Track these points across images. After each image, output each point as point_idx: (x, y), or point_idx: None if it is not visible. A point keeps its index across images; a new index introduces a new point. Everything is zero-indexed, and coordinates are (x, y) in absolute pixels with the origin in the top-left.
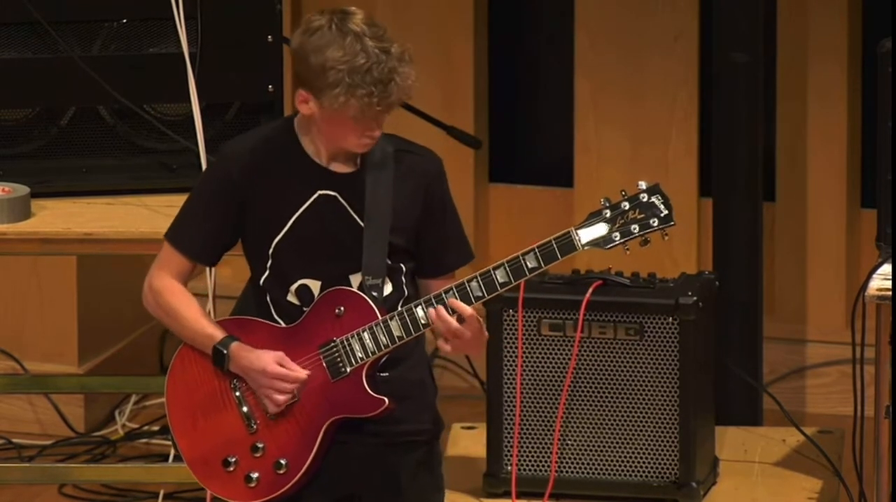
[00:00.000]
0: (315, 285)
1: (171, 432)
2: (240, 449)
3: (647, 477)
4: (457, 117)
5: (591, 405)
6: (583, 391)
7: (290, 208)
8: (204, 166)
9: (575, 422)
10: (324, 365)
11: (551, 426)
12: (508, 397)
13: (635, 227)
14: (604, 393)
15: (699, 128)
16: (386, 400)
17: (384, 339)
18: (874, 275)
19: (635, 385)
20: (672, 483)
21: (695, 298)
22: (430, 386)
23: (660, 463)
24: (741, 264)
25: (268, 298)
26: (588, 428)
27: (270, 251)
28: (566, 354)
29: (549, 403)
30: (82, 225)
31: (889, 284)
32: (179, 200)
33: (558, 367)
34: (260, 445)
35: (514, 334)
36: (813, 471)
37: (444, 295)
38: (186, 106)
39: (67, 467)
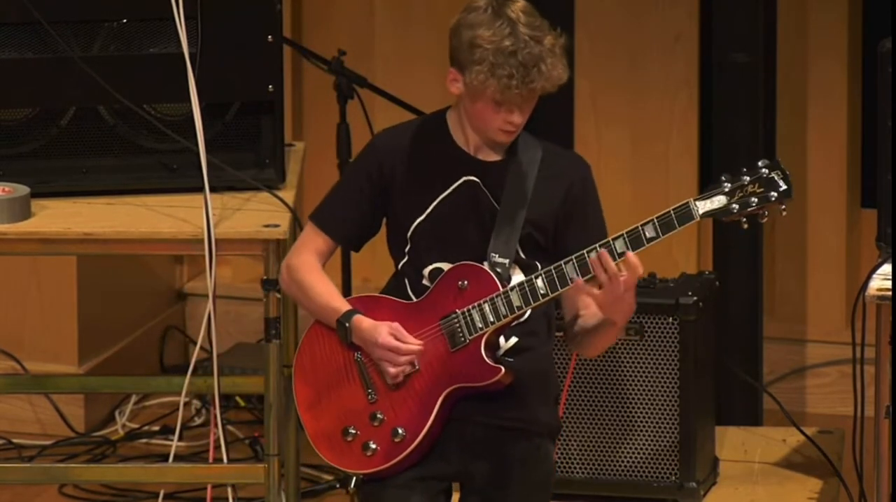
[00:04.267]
0: (448, 268)
1: (296, 406)
2: (359, 419)
3: (647, 477)
4: None
5: (591, 405)
6: (583, 391)
7: (433, 192)
8: (204, 166)
9: (575, 422)
10: (444, 335)
11: None
12: None
13: (754, 200)
14: (604, 393)
15: (699, 128)
16: (503, 368)
17: (504, 310)
18: (874, 275)
19: (635, 385)
20: (672, 483)
21: (695, 298)
22: (552, 380)
23: (660, 463)
24: (741, 264)
25: (405, 281)
26: (588, 428)
27: (409, 234)
28: (566, 354)
29: None
30: (82, 225)
31: (889, 284)
32: (179, 200)
33: (558, 367)
34: (379, 415)
35: None
36: (813, 471)
37: (563, 265)
38: (186, 106)
39: (67, 467)
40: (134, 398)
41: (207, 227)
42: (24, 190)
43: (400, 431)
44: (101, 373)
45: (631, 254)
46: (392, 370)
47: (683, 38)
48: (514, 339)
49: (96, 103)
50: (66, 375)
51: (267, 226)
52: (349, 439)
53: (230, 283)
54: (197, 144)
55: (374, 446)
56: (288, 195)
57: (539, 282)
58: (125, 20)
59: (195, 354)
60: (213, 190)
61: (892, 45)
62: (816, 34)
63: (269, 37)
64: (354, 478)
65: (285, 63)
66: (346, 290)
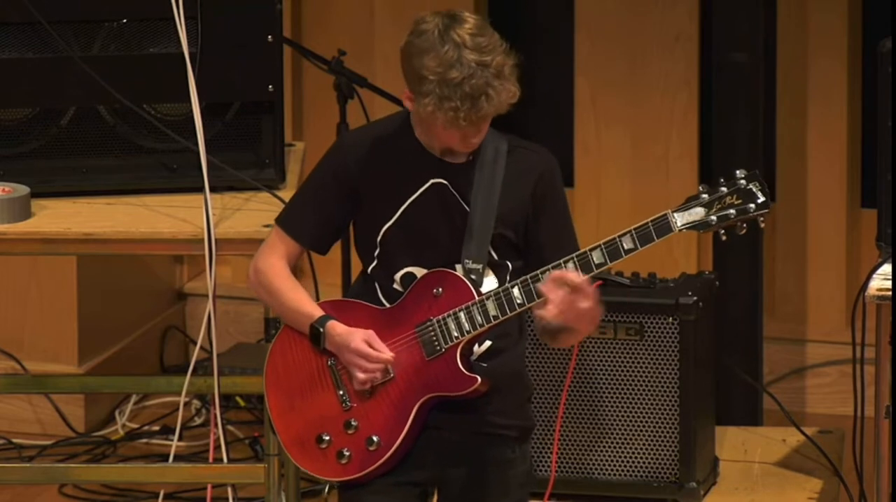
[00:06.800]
0: (420, 273)
1: (269, 412)
2: (333, 426)
3: (647, 477)
4: None
5: (591, 405)
6: (583, 391)
7: (402, 196)
8: (204, 166)
9: (575, 422)
10: (419, 343)
11: (551, 426)
12: None
13: (732, 212)
14: (604, 393)
15: (699, 129)
16: (478, 378)
17: (480, 319)
18: (874, 275)
19: (635, 385)
20: (672, 483)
21: (695, 298)
22: (525, 380)
23: (660, 463)
24: (741, 264)
25: (376, 285)
26: (588, 428)
27: (378, 239)
28: (566, 354)
29: (549, 403)
30: (82, 225)
31: (889, 284)
32: (179, 200)
33: (558, 367)
34: (353, 423)
35: None
36: (813, 471)
37: (540, 275)
38: (186, 106)
39: (67, 467)
40: (134, 398)
41: (207, 227)
42: (24, 190)
43: (375, 439)
44: (101, 373)
45: (573, 275)
46: (361, 376)
47: (683, 38)
48: (487, 343)
49: (96, 103)
50: (66, 375)
51: (267, 226)
52: (323, 446)
53: (230, 283)
54: (197, 144)
55: (348, 454)
56: (288, 195)
57: (515, 292)
58: (125, 20)
59: (195, 354)
60: (213, 190)
61: (892, 45)
62: (816, 34)
63: (269, 37)
64: (328, 484)
65: (285, 63)
66: (345, 292)
